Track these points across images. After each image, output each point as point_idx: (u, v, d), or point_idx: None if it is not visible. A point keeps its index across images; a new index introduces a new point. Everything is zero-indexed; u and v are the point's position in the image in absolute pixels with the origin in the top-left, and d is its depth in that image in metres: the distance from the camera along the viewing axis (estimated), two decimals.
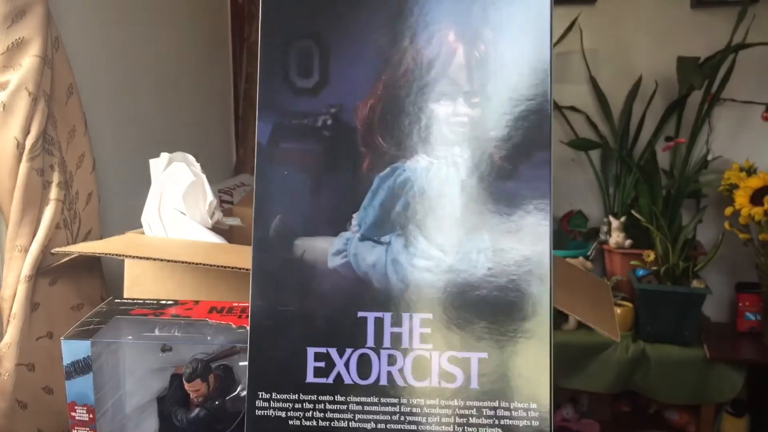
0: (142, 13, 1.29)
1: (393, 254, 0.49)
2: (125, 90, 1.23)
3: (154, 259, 0.70)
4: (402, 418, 0.48)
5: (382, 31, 0.50)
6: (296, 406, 0.49)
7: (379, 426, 0.48)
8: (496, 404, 0.47)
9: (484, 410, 0.47)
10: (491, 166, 0.48)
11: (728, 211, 1.50)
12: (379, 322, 0.49)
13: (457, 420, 0.47)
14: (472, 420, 0.47)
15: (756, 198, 1.47)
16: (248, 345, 0.49)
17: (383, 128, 0.49)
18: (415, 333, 0.48)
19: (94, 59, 1.12)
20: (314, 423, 0.49)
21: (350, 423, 0.48)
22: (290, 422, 0.49)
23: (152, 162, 0.87)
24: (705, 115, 1.64)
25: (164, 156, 0.87)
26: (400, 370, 0.48)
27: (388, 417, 0.48)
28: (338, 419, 0.49)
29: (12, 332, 0.85)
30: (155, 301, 0.63)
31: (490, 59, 0.48)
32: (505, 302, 0.48)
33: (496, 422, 0.47)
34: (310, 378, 0.49)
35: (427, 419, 0.48)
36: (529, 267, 0.48)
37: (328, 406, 0.48)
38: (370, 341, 0.49)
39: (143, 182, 0.88)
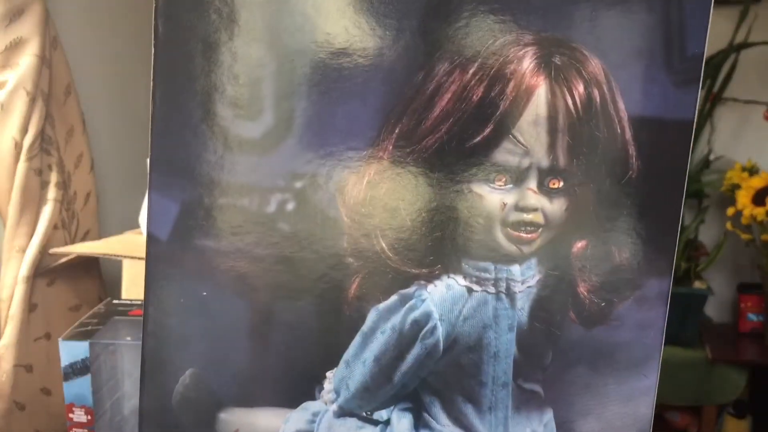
0: (141, 12, 1.28)
1: None
2: (124, 89, 1.23)
3: None
4: None
5: (394, 36, 0.26)
6: None
7: None
8: None
9: None
10: (572, 302, 0.28)
11: (730, 211, 1.49)
12: None
13: None
14: None
15: (758, 198, 1.46)
16: None
17: (390, 224, 0.27)
18: None
19: (93, 59, 1.11)
20: None
21: None
22: None
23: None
24: (707, 114, 1.64)
25: None
26: None
27: None
28: None
29: (10, 333, 0.84)
30: None
31: (596, 112, 0.27)
32: None
33: None
34: None
35: None
36: None
37: None
38: None
39: (141, 182, 0.87)
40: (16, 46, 0.83)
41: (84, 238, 0.98)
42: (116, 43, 1.19)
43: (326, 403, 0.28)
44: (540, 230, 0.27)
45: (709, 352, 1.46)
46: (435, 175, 0.27)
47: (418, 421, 0.28)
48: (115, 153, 1.17)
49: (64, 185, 0.92)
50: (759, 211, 1.44)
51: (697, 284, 1.50)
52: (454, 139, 0.27)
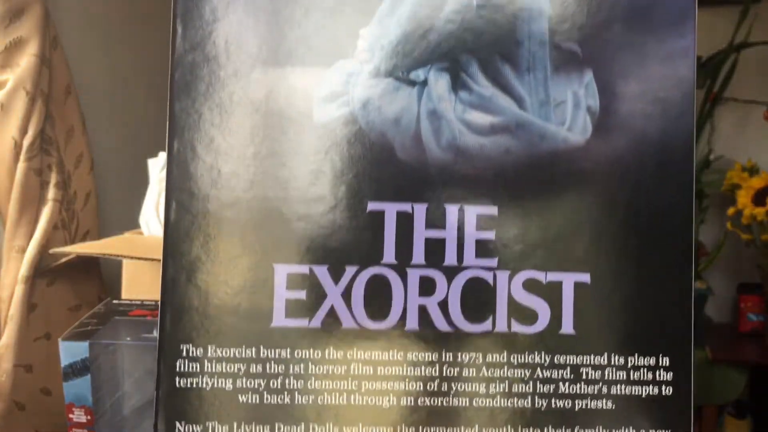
0: (141, 12, 1.28)
1: (432, 102, 0.28)
2: (124, 89, 1.23)
3: (153, 260, 0.70)
4: (443, 388, 0.28)
5: None
6: (253, 369, 0.27)
7: (401, 402, 0.28)
8: (602, 360, 0.28)
9: (583, 371, 0.28)
10: None
11: (730, 211, 1.49)
12: (405, 221, 0.28)
13: (540, 389, 0.28)
14: (563, 388, 0.28)
15: (758, 198, 1.46)
16: (162, 258, 0.28)
17: None
18: (469, 240, 0.28)
19: (93, 58, 1.11)
20: (285, 399, 0.27)
21: (352, 398, 0.27)
22: (241, 397, 0.27)
23: (150, 162, 0.87)
24: (707, 114, 1.64)
25: (162, 156, 0.86)
26: (442, 305, 0.28)
27: (418, 386, 0.28)
28: (330, 392, 0.28)
29: (9, 333, 0.84)
30: (154, 302, 0.62)
31: None
32: (623, 190, 0.28)
33: (604, 390, 0.28)
34: (280, 319, 0.28)
35: (486, 388, 0.28)
36: (661, 131, 0.28)
37: (313, 370, 0.27)
38: (389, 254, 0.28)
39: (142, 182, 0.88)
40: (16, 46, 0.83)
41: (84, 238, 0.98)
42: (116, 43, 1.19)
43: (361, 63, 0.28)
44: None
45: (709, 352, 1.46)
46: None
47: (456, 81, 0.28)
48: (115, 153, 1.17)
49: (64, 185, 0.92)
50: (759, 211, 1.44)
51: (697, 284, 1.50)
52: None
